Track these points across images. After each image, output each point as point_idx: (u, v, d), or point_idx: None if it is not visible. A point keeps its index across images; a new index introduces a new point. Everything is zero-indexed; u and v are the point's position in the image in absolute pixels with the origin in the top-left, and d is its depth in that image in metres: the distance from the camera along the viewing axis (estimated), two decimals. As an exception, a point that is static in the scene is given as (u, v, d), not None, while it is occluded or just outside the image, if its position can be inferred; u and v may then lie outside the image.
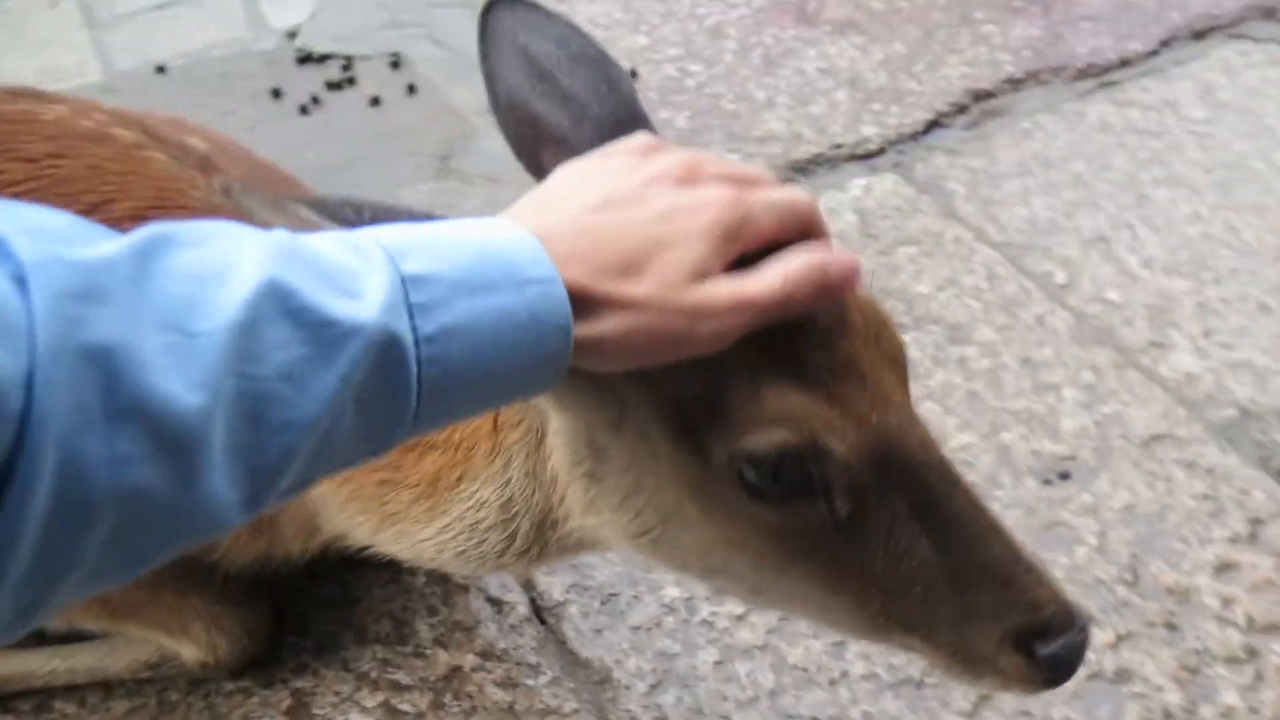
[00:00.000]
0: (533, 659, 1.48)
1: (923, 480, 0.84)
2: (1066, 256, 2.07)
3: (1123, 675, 1.48)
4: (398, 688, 1.45)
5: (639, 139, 0.87)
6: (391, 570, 1.56)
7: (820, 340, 0.83)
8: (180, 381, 0.59)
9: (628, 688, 1.46)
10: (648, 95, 2.43)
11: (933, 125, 2.38)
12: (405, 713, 1.43)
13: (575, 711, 1.43)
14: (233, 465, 0.63)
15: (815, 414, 0.81)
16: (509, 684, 1.46)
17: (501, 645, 1.49)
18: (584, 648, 1.50)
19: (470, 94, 2.44)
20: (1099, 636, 1.52)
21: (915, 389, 1.81)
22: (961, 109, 2.41)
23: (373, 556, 1.32)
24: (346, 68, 2.50)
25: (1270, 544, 1.63)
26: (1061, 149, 2.31)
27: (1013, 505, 1.67)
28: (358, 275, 0.67)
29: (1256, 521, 1.66)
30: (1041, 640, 0.84)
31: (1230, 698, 1.46)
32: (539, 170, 0.99)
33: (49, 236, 0.59)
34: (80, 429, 0.56)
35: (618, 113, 0.98)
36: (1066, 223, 2.14)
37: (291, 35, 2.59)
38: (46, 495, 0.56)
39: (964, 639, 0.86)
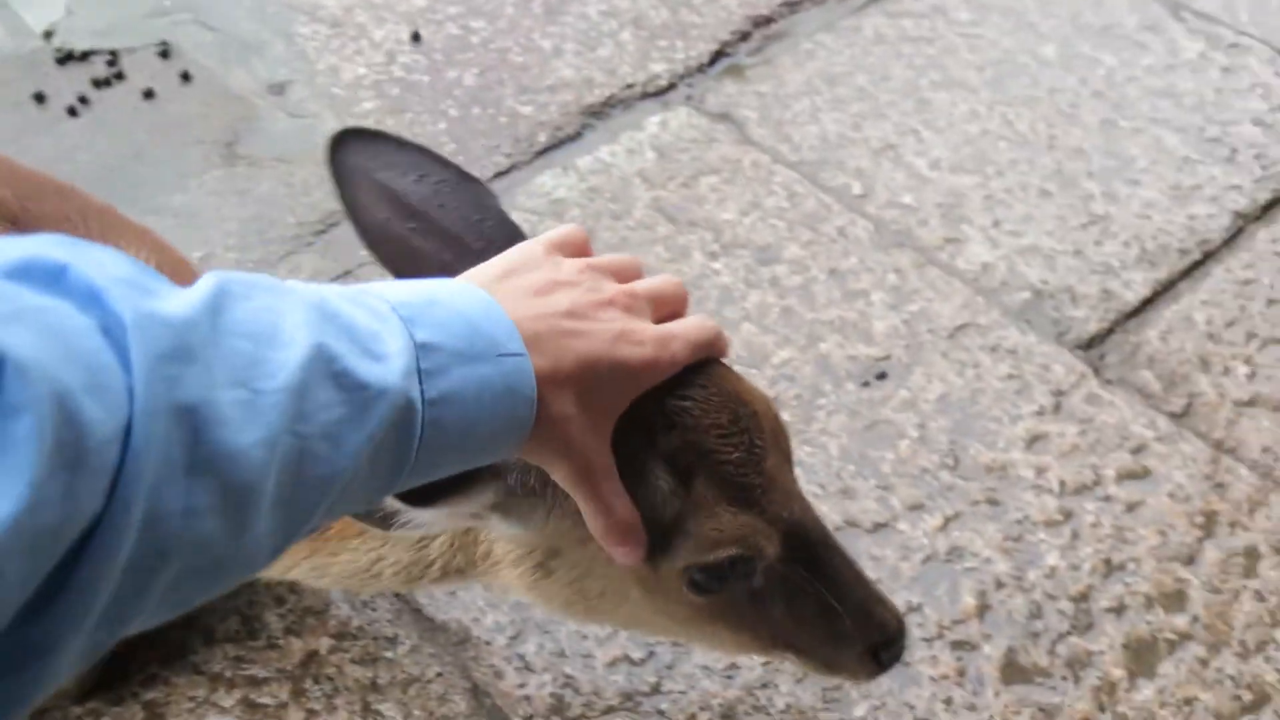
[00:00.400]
0: (389, 631, 1.48)
1: (814, 550, 1.02)
2: (859, 168, 2.15)
3: (954, 553, 1.56)
4: (254, 682, 1.43)
5: (573, 236, 0.97)
6: (232, 567, 1.53)
7: (755, 467, 0.97)
8: (248, 437, 0.63)
9: (488, 643, 1.46)
10: (433, 57, 2.40)
11: (719, 55, 2.41)
12: (265, 705, 1.41)
13: (439, 675, 1.44)
14: (274, 516, 0.67)
15: (756, 529, 0.97)
16: (368, 660, 1.45)
17: (356, 623, 1.48)
18: (439, 611, 1.50)
19: (248, 76, 2.37)
20: (929, 521, 1.59)
21: (732, 312, 1.86)
22: (744, 36, 2.46)
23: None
24: (112, 63, 2.38)
25: (1073, 412, 1.73)
26: (843, 65, 2.38)
27: (837, 410, 1.73)
28: (380, 337, 0.73)
29: (1059, 393, 1.76)
30: (885, 650, 1.07)
31: (1053, 559, 1.56)
32: None
33: (131, 286, 0.62)
34: (165, 481, 0.59)
35: (496, 235, 1.05)
36: (856, 135, 2.21)
37: (48, 35, 2.46)
38: (131, 544, 0.58)
39: (833, 655, 1.07)
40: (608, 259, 0.98)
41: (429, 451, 0.76)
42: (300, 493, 0.68)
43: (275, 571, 1.23)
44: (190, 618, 1.48)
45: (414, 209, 1.06)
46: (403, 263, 1.04)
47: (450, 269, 0.96)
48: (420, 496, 0.87)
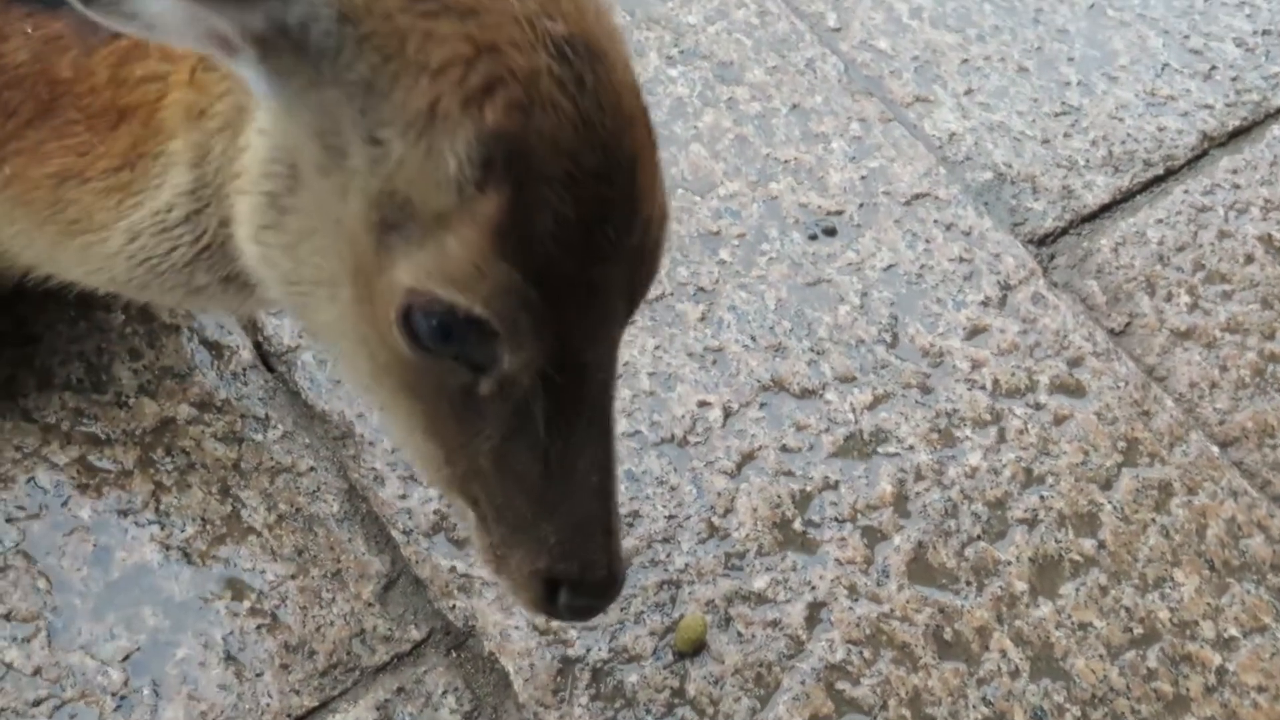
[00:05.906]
0: (260, 411, 1.30)
1: (577, 416, 0.80)
2: (838, -2, 1.96)
3: (878, 435, 1.47)
4: (95, 441, 1.24)
5: None
6: (79, 305, 1.31)
7: (590, 254, 0.73)
8: None
9: (372, 444, 1.31)
10: None
11: None
12: (106, 471, 1.23)
13: (311, 469, 1.28)
14: None
15: (525, 329, 0.73)
16: (233, 438, 1.28)
17: (222, 395, 1.30)
18: (321, 400, 1.33)
19: None
20: (858, 396, 1.50)
21: (682, 129, 1.68)
22: None
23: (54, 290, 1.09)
24: None
25: (1016, 309, 1.65)
26: (837, -120, 2.16)
27: (779, 259, 1.60)
28: None
29: (1006, 286, 1.67)
30: (569, 591, 0.85)
31: (975, 459, 1.48)
32: None
33: None
34: None
35: None
36: (839, -39, 2.02)
37: None
38: None
39: (510, 547, 0.85)
40: None
41: None
42: None
43: (85, 271, 1.05)
44: (26, 356, 1.27)
45: None
46: None
47: None
48: None
